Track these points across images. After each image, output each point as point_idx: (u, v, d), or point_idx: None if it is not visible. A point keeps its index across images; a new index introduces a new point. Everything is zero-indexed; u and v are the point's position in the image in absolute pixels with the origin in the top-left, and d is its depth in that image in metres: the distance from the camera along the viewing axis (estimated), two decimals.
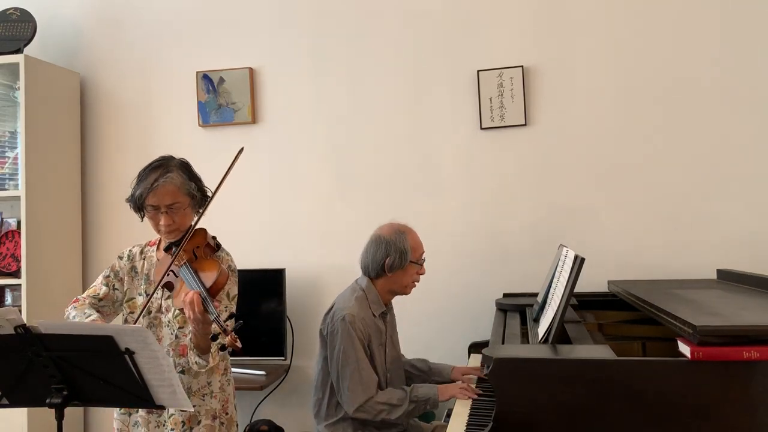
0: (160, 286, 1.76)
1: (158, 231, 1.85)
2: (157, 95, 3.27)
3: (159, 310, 1.86)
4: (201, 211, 1.86)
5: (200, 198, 1.88)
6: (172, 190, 1.79)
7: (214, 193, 1.83)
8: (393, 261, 2.16)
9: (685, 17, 2.75)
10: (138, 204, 1.81)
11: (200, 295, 1.62)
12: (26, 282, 2.90)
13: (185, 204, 1.82)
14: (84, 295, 1.89)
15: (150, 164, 1.84)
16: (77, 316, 1.80)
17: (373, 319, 2.18)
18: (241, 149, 1.81)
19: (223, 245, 1.94)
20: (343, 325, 2.08)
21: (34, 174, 2.98)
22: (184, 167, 1.87)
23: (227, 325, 1.55)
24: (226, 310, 1.83)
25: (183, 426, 1.83)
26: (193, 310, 1.60)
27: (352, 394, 2.05)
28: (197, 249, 1.80)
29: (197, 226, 1.87)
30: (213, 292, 1.68)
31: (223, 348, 1.56)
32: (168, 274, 1.75)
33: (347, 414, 2.12)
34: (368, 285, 2.21)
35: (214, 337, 1.57)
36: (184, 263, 1.74)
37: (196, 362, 1.73)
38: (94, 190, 3.33)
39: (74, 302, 1.87)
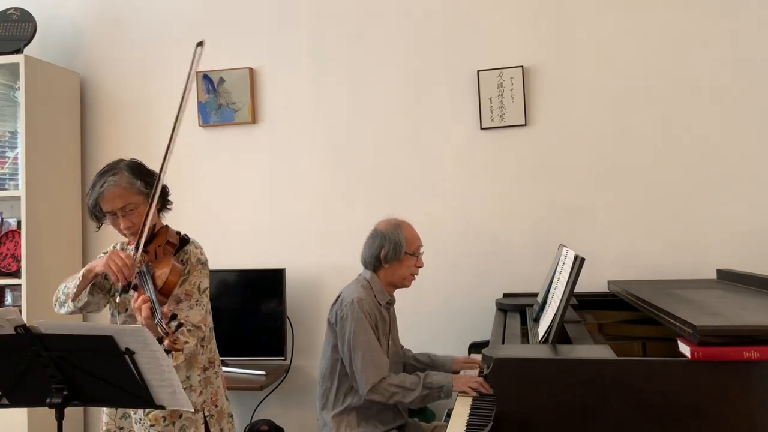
0: (130, 288, 1.73)
1: (124, 235, 1.85)
2: (157, 95, 3.27)
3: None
4: (155, 195, 1.79)
5: (159, 194, 1.83)
6: (120, 193, 1.76)
7: (177, 117, 1.74)
8: (387, 252, 2.23)
9: (685, 17, 2.75)
10: (96, 214, 1.80)
11: (149, 300, 1.60)
12: (26, 282, 2.90)
13: (138, 203, 1.79)
14: None
15: (98, 172, 1.82)
16: (68, 282, 1.81)
17: (379, 307, 2.24)
18: (201, 42, 1.71)
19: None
20: (352, 308, 2.14)
21: (34, 174, 2.98)
22: (132, 167, 1.82)
23: (169, 328, 1.54)
24: (199, 308, 1.82)
25: (165, 421, 1.82)
26: (141, 316, 1.60)
27: (364, 374, 2.09)
28: (158, 248, 1.79)
29: (163, 224, 1.87)
30: (165, 291, 1.67)
31: (167, 351, 1.55)
32: (135, 276, 1.73)
33: (352, 404, 2.17)
34: (372, 276, 2.28)
35: (160, 340, 1.54)
36: (145, 264, 1.74)
37: None
38: None
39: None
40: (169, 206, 1.92)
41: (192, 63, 1.72)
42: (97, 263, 1.74)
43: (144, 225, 1.75)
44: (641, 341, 1.98)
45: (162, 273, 1.70)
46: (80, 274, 1.78)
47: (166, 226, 1.85)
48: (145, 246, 1.78)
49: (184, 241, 1.88)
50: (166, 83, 3.25)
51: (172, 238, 1.85)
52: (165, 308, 1.62)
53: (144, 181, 1.82)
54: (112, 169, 1.81)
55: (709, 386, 1.41)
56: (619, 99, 2.80)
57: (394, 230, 2.26)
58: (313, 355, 3.01)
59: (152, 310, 1.59)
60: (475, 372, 2.26)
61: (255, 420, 2.87)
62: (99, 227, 1.86)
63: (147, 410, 1.81)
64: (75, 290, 1.79)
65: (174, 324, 1.57)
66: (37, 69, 3.03)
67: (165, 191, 1.89)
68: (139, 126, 3.29)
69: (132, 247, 1.91)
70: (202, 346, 1.89)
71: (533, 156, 2.87)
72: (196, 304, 1.82)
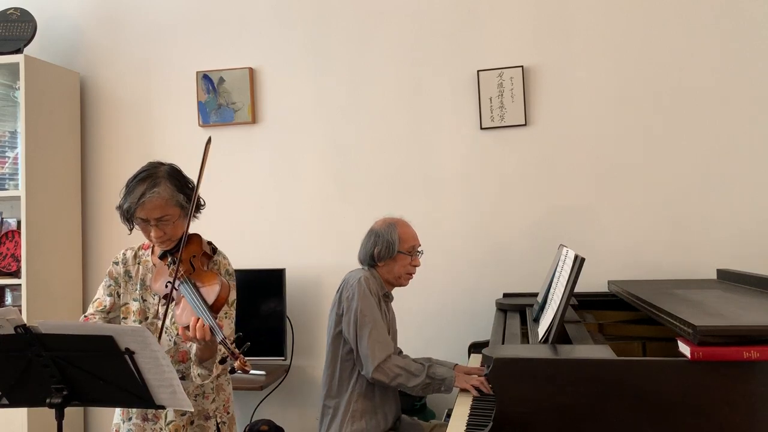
0: (168, 303, 1.72)
1: (150, 241, 1.82)
2: (157, 95, 3.27)
3: (156, 316, 1.83)
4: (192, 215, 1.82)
5: (194, 207, 1.82)
6: (160, 204, 1.72)
7: (195, 192, 1.76)
8: (381, 250, 2.26)
9: (685, 17, 2.75)
10: (127, 216, 1.76)
11: (208, 325, 1.58)
12: (26, 282, 2.89)
13: (175, 216, 1.76)
14: (91, 311, 1.85)
15: (137, 174, 1.76)
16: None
17: (380, 296, 2.26)
18: (209, 139, 1.77)
19: (223, 246, 1.93)
20: (359, 286, 2.17)
21: (34, 174, 2.98)
22: (173, 176, 1.78)
23: (233, 348, 1.54)
24: (229, 321, 1.82)
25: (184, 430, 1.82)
26: (203, 339, 1.57)
27: (370, 352, 2.10)
28: (194, 258, 1.76)
29: (191, 232, 1.84)
30: (215, 308, 1.66)
31: (232, 371, 1.54)
32: (166, 286, 1.72)
33: (355, 390, 2.17)
34: (371, 270, 2.31)
35: (223, 360, 1.56)
36: (183, 276, 1.71)
37: (198, 374, 1.70)
38: (94, 190, 3.33)
39: (84, 321, 1.83)
40: (197, 216, 1.87)
41: (204, 157, 1.75)
42: None
43: (181, 240, 1.74)
44: (641, 341, 1.98)
45: (210, 288, 1.67)
46: None
47: (198, 235, 1.81)
48: (174, 253, 1.77)
49: (213, 251, 1.87)
50: (165, 83, 3.26)
51: (206, 249, 1.83)
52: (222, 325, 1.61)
53: (185, 194, 1.78)
54: (152, 176, 1.74)
55: (709, 386, 1.41)
56: (619, 99, 2.80)
57: (388, 229, 2.28)
58: (313, 355, 3.01)
59: (212, 330, 1.57)
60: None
61: (255, 420, 2.87)
62: (131, 231, 1.80)
63: (168, 422, 1.81)
64: None
65: (242, 346, 1.56)
66: (37, 69, 3.03)
67: (200, 203, 1.85)
68: (139, 126, 3.29)
69: (147, 251, 1.90)
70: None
71: (533, 156, 2.87)
72: (225, 317, 1.81)
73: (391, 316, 2.37)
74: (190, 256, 1.76)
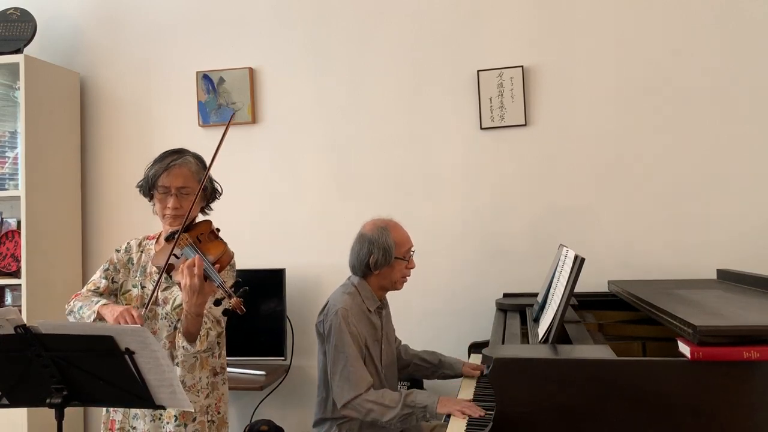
0: (163, 271, 1.72)
1: (163, 216, 1.84)
2: (157, 95, 3.27)
3: (155, 302, 1.85)
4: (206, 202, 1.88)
5: (210, 190, 1.91)
6: (186, 173, 1.82)
7: (211, 163, 1.79)
8: (377, 259, 2.12)
9: (686, 17, 2.75)
10: (150, 183, 1.83)
11: (203, 263, 1.61)
12: (26, 282, 2.90)
13: (195, 190, 1.82)
14: (84, 290, 1.90)
15: (167, 150, 1.88)
16: (84, 307, 1.80)
17: (368, 314, 2.16)
18: (234, 113, 1.83)
19: None
20: (335, 319, 2.06)
21: (34, 174, 2.98)
22: (199, 158, 1.91)
23: (230, 290, 1.56)
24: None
25: (176, 420, 1.82)
26: (192, 274, 1.59)
27: (339, 390, 2.02)
28: (201, 235, 1.79)
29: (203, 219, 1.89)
30: (218, 263, 1.69)
31: (226, 312, 1.56)
32: (170, 258, 1.71)
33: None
34: (360, 282, 2.19)
35: (218, 302, 1.58)
36: (189, 244, 1.73)
37: (183, 346, 1.71)
38: (94, 190, 3.33)
39: (75, 296, 1.88)
40: (208, 209, 1.96)
41: (225, 130, 1.78)
42: (108, 318, 1.75)
43: (190, 210, 1.78)
44: (641, 341, 1.98)
45: (215, 251, 1.71)
46: (95, 312, 1.77)
47: (208, 220, 1.88)
48: (184, 225, 1.78)
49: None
50: (165, 83, 3.26)
51: (214, 231, 1.86)
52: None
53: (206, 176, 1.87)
54: (181, 152, 1.87)
55: (709, 386, 1.41)
56: (619, 99, 2.80)
57: (382, 234, 2.13)
58: (313, 355, 3.01)
59: (207, 276, 1.61)
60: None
61: (255, 420, 2.87)
62: (150, 200, 1.88)
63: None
64: (88, 320, 1.79)
65: (239, 290, 1.59)
66: (37, 69, 3.03)
67: (216, 192, 1.94)
68: (139, 126, 3.29)
69: (152, 241, 1.94)
70: (218, 344, 1.91)
71: (533, 156, 2.87)
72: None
73: (385, 323, 2.25)
74: (198, 234, 1.78)
